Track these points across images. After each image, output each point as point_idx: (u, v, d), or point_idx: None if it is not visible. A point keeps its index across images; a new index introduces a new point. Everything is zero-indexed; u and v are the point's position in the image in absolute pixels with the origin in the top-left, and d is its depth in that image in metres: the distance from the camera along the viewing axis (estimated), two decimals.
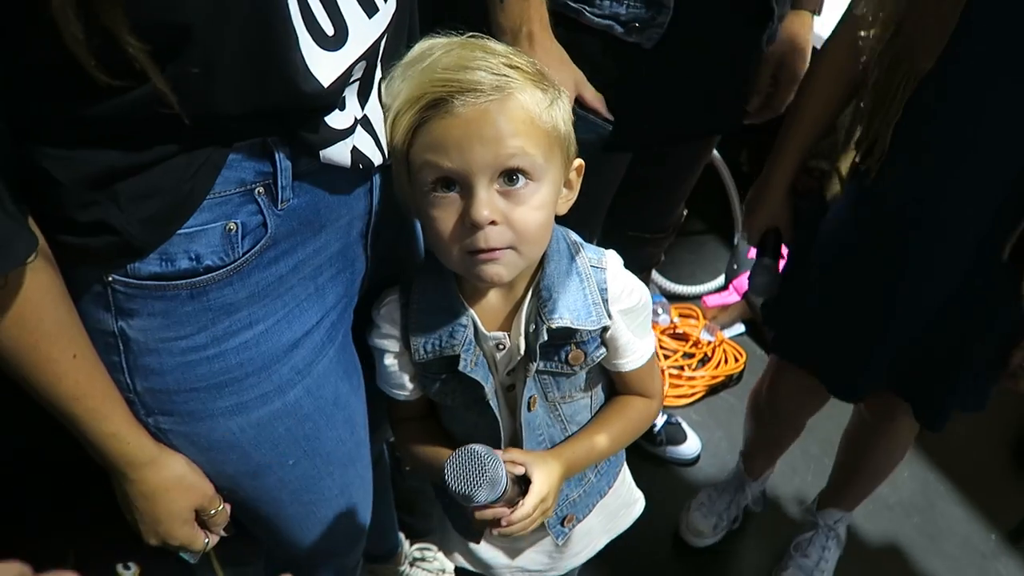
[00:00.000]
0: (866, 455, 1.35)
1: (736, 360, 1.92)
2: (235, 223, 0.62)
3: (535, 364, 0.78)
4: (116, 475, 0.70)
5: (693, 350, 1.95)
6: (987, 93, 0.85)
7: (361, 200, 0.74)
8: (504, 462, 0.71)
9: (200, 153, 0.58)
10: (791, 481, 1.64)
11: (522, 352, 0.77)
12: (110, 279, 0.62)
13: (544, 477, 0.76)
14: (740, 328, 2.05)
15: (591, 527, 0.97)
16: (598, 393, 0.87)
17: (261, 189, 0.63)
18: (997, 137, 0.86)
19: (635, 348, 0.81)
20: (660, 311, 2.01)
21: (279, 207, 0.64)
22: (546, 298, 0.75)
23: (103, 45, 0.47)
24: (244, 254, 0.64)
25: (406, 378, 0.81)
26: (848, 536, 1.58)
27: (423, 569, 1.40)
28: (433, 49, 0.68)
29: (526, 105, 0.66)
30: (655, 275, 2.11)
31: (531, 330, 0.76)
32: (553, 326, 0.75)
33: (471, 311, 0.76)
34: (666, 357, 1.93)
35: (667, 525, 1.58)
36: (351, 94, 0.64)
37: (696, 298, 2.11)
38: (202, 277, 0.63)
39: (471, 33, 0.70)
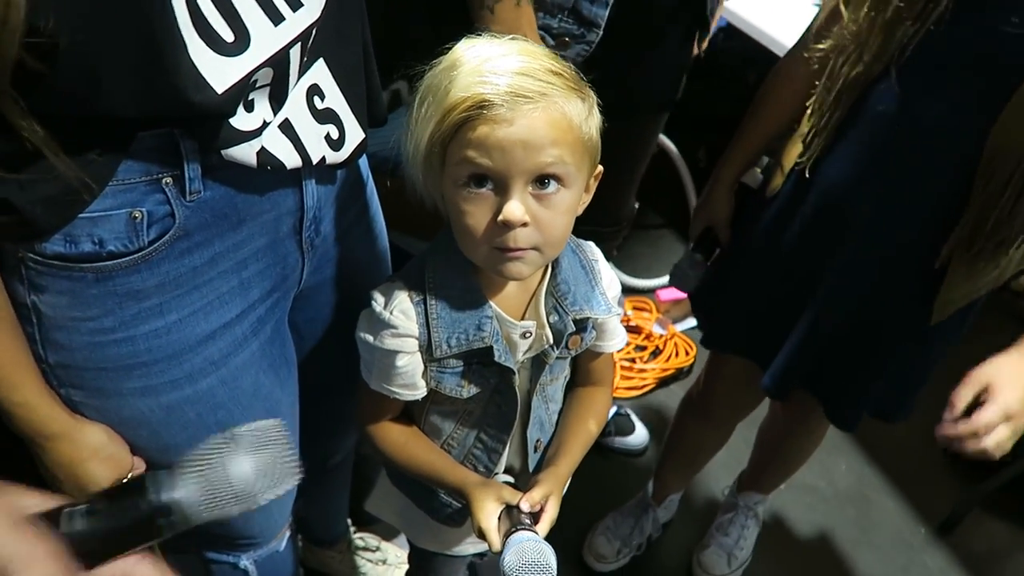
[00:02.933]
0: (780, 449, 1.42)
1: (687, 353, 1.96)
2: (140, 211, 0.63)
3: (556, 352, 0.82)
4: (31, 444, 0.71)
5: (645, 343, 1.99)
6: (924, 104, 0.87)
7: (289, 197, 0.74)
8: (532, 504, 0.78)
9: (103, 139, 0.58)
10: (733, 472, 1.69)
11: (550, 340, 0.81)
12: (21, 254, 0.63)
13: (554, 507, 0.81)
14: (692, 322, 2.09)
15: None
16: (569, 371, 0.92)
17: (169, 180, 0.63)
18: (930, 147, 0.89)
19: (619, 331, 0.89)
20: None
21: (188, 199, 0.65)
22: (565, 291, 0.80)
23: None
24: (151, 243, 0.65)
25: (418, 376, 0.80)
26: (786, 528, 1.64)
27: (365, 558, 1.41)
28: (478, 51, 0.69)
29: (568, 114, 0.68)
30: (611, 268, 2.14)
31: (552, 320, 0.80)
32: (577, 317, 0.80)
33: (492, 303, 0.78)
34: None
35: (611, 510, 1.61)
36: (260, 98, 0.64)
37: (650, 292, 2.14)
38: (106, 263, 0.64)
39: (512, 36, 0.71)
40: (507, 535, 0.75)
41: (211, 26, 0.56)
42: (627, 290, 2.14)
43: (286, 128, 0.67)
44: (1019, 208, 0.86)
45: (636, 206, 1.53)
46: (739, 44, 1.92)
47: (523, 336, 0.81)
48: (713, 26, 1.32)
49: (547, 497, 0.80)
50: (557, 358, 0.84)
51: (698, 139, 2.28)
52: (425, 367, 0.80)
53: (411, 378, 0.80)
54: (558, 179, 0.69)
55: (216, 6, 0.56)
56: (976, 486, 1.64)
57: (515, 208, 0.68)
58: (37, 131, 0.54)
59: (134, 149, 0.60)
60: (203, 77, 0.56)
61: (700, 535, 1.57)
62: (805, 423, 1.32)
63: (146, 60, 0.54)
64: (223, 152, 0.63)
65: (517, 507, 0.78)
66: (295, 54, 0.65)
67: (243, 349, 0.76)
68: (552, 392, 0.90)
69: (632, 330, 2.02)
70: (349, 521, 1.42)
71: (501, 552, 0.75)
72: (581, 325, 0.83)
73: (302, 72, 0.68)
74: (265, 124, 0.65)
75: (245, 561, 1.00)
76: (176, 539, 1.00)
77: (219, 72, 0.57)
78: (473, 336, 0.78)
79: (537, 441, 0.90)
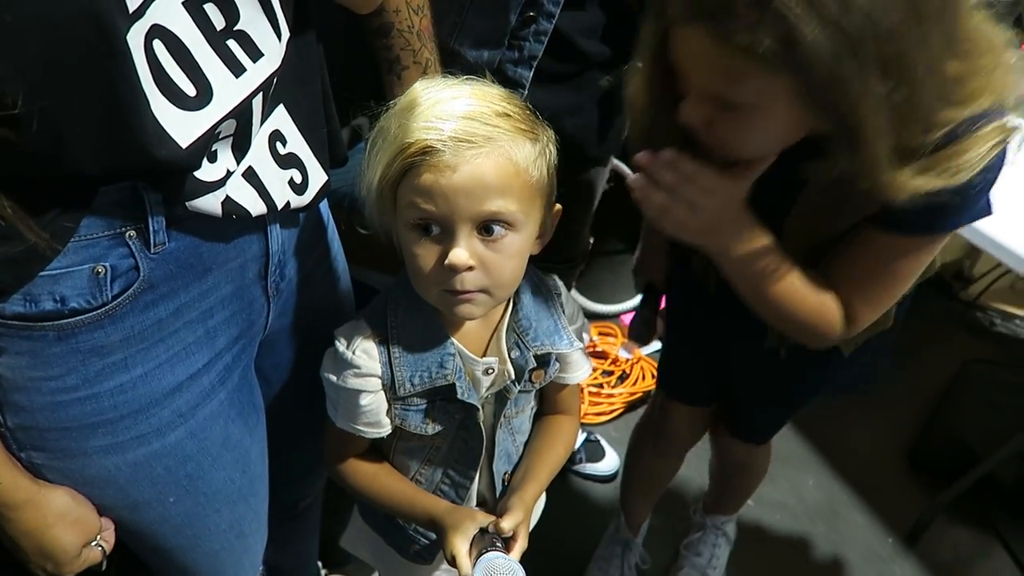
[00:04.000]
0: (730, 482, 1.46)
1: (653, 376, 1.98)
2: (104, 266, 0.62)
3: (518, 387, 0.82)
4: None
5: (612, 367, 2.00)
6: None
7: (254, 243, 0.74)
8: (500, 531, 0.78)
9: (64, 196, 0.58)
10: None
11: (512, 376, 0.81)
12: None
13: (524, 533, 0.81)
14: (657, 345, 2.10)
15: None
16: (536, 403, 0.93)
17: (132, 233, 0.62)
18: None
19: (583, 362, 0.89)
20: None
21: (153, 251, 0.64)
22: (527, 327, 0.80)
23: None
24: (115, 297, 0.63)
25: (382, 414, 0.80)
26: (757, 545, 1.65)
27: None
28: (429, 93, 0.69)
29: (515, 159, 0.68)
30: (574, 294, 2.16)
31: (514, 356, 0.80)
32: (539, 353, 0.80)
33: (455, 340, 0.79)
34: None
35: (589, 538, 1.62)
36: (223, 148, 0.64)
37: (614, 316, 2.16)
38: (68, 320, 0.62)
39: (468, 77, 0.72)
40: (478, 558, 0.75)
41: (173, 81, 0.56)
42: (591, 316, 2.15)
43: (250, 176, 0.67)
44: None
45: (591, 240, 1.55)
46: None
47: (486, 372, 0.81)
48: None
49: (517, 525, 0.79)
50: (521, 392, 0.85)
51: None
52: (389, 405, 0.80)
53: (375, 416, 0.80)
54: (505, 224, 0.70)
55: (177, 61, 0.56)
56: (938, 495, 1.68)
57: (459, 254, 0.69)
58: (3, 202, 0.53)
59: (96, 204, 0.59)
60: (167, 132, 0.56)
61: (672, 554, 1.57)
62: (744, 462, 1.36)
63: (110, 118, 0.54)
64: (188, 204, 0.62)
65: (487, 530, 0.78)
66: (257, 103, 0.65)
67: (211, 399, 0.75)
68: (519, 424, 0.90)
69: (598, 355, 2.03)
70: (320, 564, 1.39)
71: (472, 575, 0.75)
72: (543, 360, 0.83)
73: (263, 119, 0.68)
74: (229, 173, 0.65)
75: None
76: None
77: (183, 127, 0.57)
78: (436, 374, 0.78)
79: (505, 474, 0.91)
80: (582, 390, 1.91)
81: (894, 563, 1.65)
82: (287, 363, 0.90)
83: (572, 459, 1.73)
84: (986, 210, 0.75)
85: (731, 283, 0.83)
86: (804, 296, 0.80)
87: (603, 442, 1.78)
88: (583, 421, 1.86)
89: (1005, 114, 0.69)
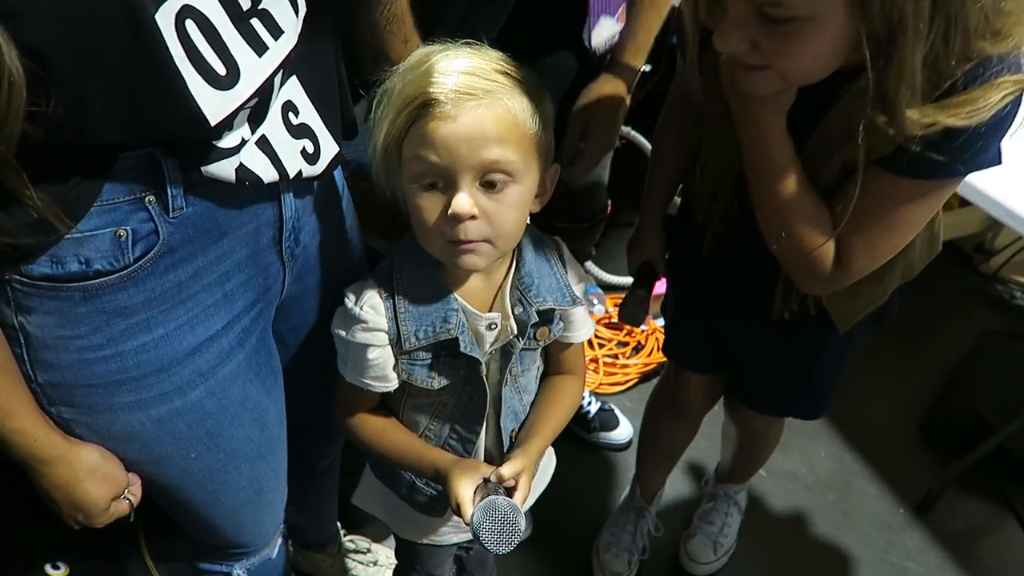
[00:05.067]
0: (742, 451, 1.47)
1: None
2: (125, 230, 0.65)
3: (521, 342, 0.85)
4: (28, 468, 0.72)
5: (627, 338, 2.02)
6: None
7: (267, 209, 0.76)
8: (504, 481, 0.81)
9: (86, 163, 0.60)
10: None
11: (514, 331, 0.83)
12: (7, 276, 0.64)
13: (526, 485, 0.84)
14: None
15: (539, 484, 1.06)
16: (541, 361, 0.95)
17: (152, 197, 0.65)
18: None
19: (585, 321, 0.92)
20: (595, 301, 2.07)
21: (171, 215, 0.67)
22: (529, 284, 0.83)
23: None
24: (136, 260, 0.66)
25: (389, 368, 0.83)
26: (769, 515, 1.67)
27: (356, 560, 1.43)
28: (430, 55, 0.73)
29: (513, 111, 0.71)
30: (590, 266, 2.17)
31: (517, 312, 0.83)
32: (541, 309, 0.83)
33: (458, 296, 0.81)
34: (601, 346, 1.99)
35: (603, 506, 1.65)
36: (240, 119, 0.66)
37: None
38: (93, 281, 0.65)
39: (467, 41, 0.74)
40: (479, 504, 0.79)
41: (206, 60, 0.59)
42: (607, 287, 2.17)
43: (263, 144, 0.69)
44: None
45: (609, 203, 1.55)
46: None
47: (489, 328, 0.84)
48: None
49: (519, 473, 0.82)
50: (525, 349, 0.88)
51: None
52: (396, 360, 0.84)
53: (383, 370, 0.83)
54: (506, 174, 0.72)
55: (208, 41, 0.58)
56: (950, 466, 1.68)
57: (463, 201, 0.71)
58: (34, 197, 0.56)
59: (116, 170, 0.62)
60: (201, 111, 0.59)
61: (684, 524, 1.60)
62: (757, 430, 1.37)
63: (138, 94, 0.56)
64: (203, 169, 0.65)
65: (490, 480, 0.81)
66: (277, 80, 0.67)
67: (230, 360, 0.78)
68: (525, 383, 0.93)
69: (613, 326, 2.05)
70: (339, 524, 1.43)
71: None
72: (546, 316, 0.86)
73: (277, 90, 0.70)
74: (244, 142, 0.67)
75: (238, 570, 1.02)
76: (167, 548, 1.02)
77: (215, 105, 0.60)
78: (440, 328, 0.81)
79: (512, 431, 0.93)
80: (597, 361, 1.94)
81: (904, 533, 1.66)
82: (304, 327, 0.93)
83: (587, 428, 1.76)
84: (995, 159, 0.75)
85: (752, 170, 0.84)
86: (807, 205, 0.81)
87: (617, 411, 1.80)
88: (598, 391, 1.88)
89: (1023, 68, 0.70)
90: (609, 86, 1.17)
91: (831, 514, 1.69)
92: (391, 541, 1.45)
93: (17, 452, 0.70)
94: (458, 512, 0.81)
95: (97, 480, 0.75)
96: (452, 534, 1.03)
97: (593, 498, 1.67)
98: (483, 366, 0.85)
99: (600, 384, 1.91)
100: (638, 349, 1.99)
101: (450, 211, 0.71)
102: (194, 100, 0.58)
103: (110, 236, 0.64)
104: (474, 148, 0.70)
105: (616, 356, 1.97)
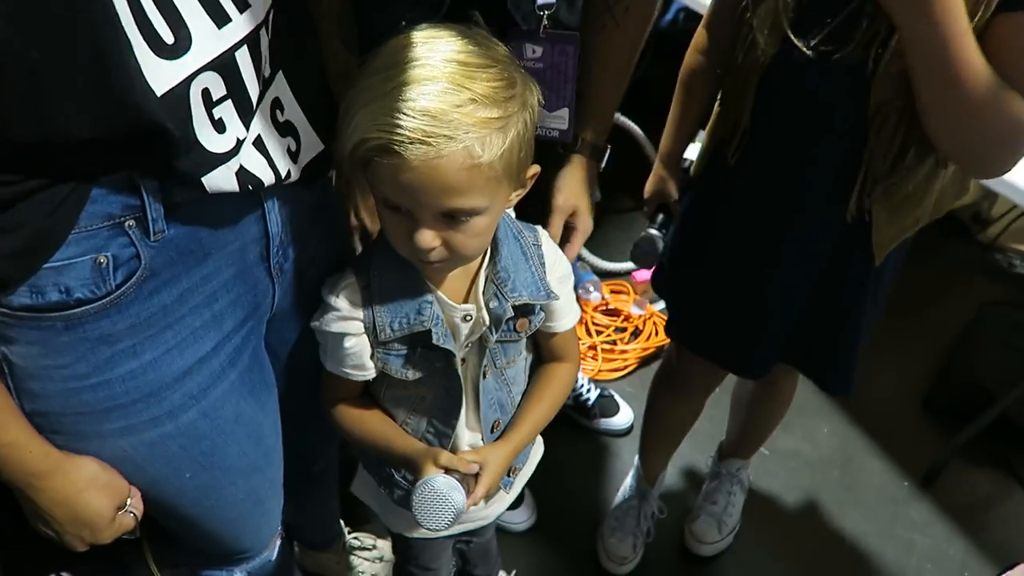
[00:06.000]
0: (754, 415, 1.46)
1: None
2: (105, 256, 0.63)
3: (495, 335, 0.84)
4: (23, 488, 0.69)
5: (624, 324, 2.01)
6: (820, 71, 0.89)
7: (252, 225, 0.75)
8: (454, 463, 0.81)
9: (62, 188, 0.59)
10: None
11: (487, 323, 0.83)
12: None
13: (492, 472, 0.85)
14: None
15: (527, 470, 1.06)
16: (528, 353, 0.95)
17: (132, 222, 0.63)
18: (831, 111, 0.91)
19: (568, 310, 0.91)
20: (592, 288, 2.06)
21: (152, 239, 0.65)
22: (505, 279, 0.83)
23: None
24: (119, 287, 0.65)
25: (366, 357, 0.84)
26: (773, 493, 1.67)
27: (362, 557, 1.43)
28: (397, 62, 0.67)
29: (475, 155, 0.66)
30: (586, 253, 2.16)
31: (492, 306, 0.83)
32: (516, 303, 0.83)
33: (433, 288, 0.82)
34: (599, 332, 1.99)
35: (606, 493, 1.65)
36: (229, 115, 0.64)
37: (626, 274, 2.17)
38: (75, 310, 0.64)
39: (451, 25, 0.70)
40: None
41: (153, 27, 0.56)
42: (603, 274, 2.16)
43: (259, 145, 0.68)
44: (906, 151, 0.90)
45: (598, 195, 1.54)
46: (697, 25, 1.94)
47: (464, 319, 0.84)
48: None
49: (481, 463, 0.84)
50: (506, 341, 0.87)
51: (662, 121, 2.29)
52: (372, 349, 0.84)
53: (359, 359, 0.84)
54: (469, 214, 0.71)
55: (158, 6, 0.56)
56: (954, 437, 1.68)
57: (423, 238, 0.71)
58: None
59: (94, 195, 0.60)
60: (145, 78, 0.56)
61: (687, 506, 1.60)
62: (774, 386, 1.36)
63: (93, 66, 0.53)
64: (204, 181, 0.63)
65: (449, 470, 0.81)
66: (244, 60, 0.64)
67: (222, 380, 0.77)
68: (513, 374, 0.92)
69: (610, 312, 2.04)
70: (342, 522, 1.44)
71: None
72: (524, 310, 0.86)
73: (266, 86, 0.69)
74: (239, 143, 0.65)
75: (239, 574, 1.02)
76: (172, 554, 1.02)
77: (159, 76, 0.57)
78: (414, 320, 0.81)
79: (495, 422, 0.93)
80: (595, 348, 1.94)
81: (910, 506, 1.66)
82: (295, 339, 0.92)
83: (587, 415, 1.76)
84: None
85: (927, 61, 0.77)
86: (990, 72, 0.76)
87: (617, 397, 1.79)
88: (597, 378, 1.88)
89: None
90: (582, 170, 1.08)
91: (836, 490, 1.68)
92: None
93: (11, 468, 0.67)
94: None
95: (98, 489, 0.72)
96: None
97: (596, 485, 1.67)
98: (458, 359, 0.85)
99: (599, 371, 1.90)
100: (636, 334, 1.99)
101: (413, 242, 0.72)
102: (138, 65, 0.55)
103: (90, 263, 0.63)
104: (432, 197, 0.68)
105: (614, 342, 1.97)
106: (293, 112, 0.74)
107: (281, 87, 0.72)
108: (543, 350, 0.96)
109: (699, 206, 1.14)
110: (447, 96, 0.65)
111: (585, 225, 1.06)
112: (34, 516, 0.72)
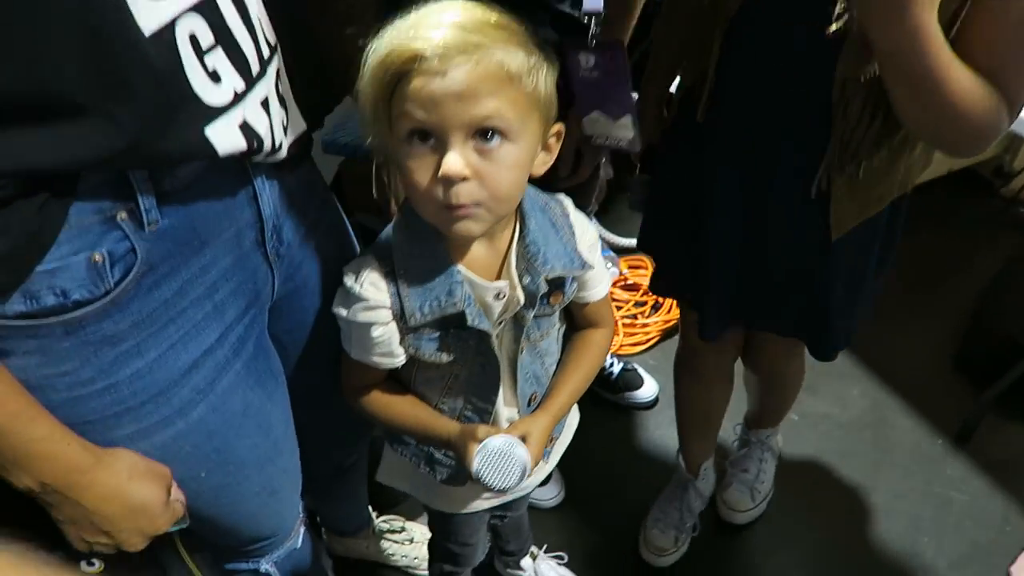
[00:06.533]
0: (767, 397, 1.44)
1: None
2: (101, 253, 0.60)
3: (531, 311, 0.81)
4: (65, 489, 0.65)
5: (644, 298, 1.99)
6: (790, 32, 0.85)
7: (244, 209, 0.73)
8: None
9: (47, 185, 0.56)
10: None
11: (522, 301, 0.80)
12: None
13: (536, 443, 0.84)
14: None
15: (564, 439, 1.04)
16: (562, 324, 0.92)
17: (124, 214, 0.61)
18: (802, 74, 0.86)
19: (601, 278, 0.88)
20: (610, 264, 2.04)
21: (147, 231, 0.62)
22: (535, 252, 0.79)
23: None
24: (117, 284, 0.62)
25: (395, 345, 0.80)
26: (803, 456, 1.65)
27: (391, 540, 1.43)
28: (420, 8, 0.68)
29: (506, 65, 0.66)
30: (602, 230, 2.14)
31: (525, 282, 0.80)
32: (549, 277, 0.80)
33: (461, 267, 0.78)
34: (619, 308, 1.97)
35: (635, 465, 1.64)
36: (223, 66, 0.62)
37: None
38: (74, 313, 0.61)
39: None
40: None
41: None
42: (620, 250, 2.14)
43: (265, 106, 0.67)
44: (873, 130, 0.86)
45: (611, 172, 1.52)
46: None
47: (496, 297, 0.80)
48: None
49: (524, 435, 0.82)
50: (539, 316, 0.85)
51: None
52: (402, 336, 0.81)
53: (388, 347, 0.81)
54: (499, 132, 0.68)
55: None
56: (985, 393, 1.65)
57: (453, 161, 0.66)
58: None
59: (81, 189, 0.58)
60: (131, 14, 0.54)
61: (719, 478, 1.58)
62: (775, 364, 1.33)
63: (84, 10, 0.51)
64: (206, 131, 0.60)
65: None
66: (227, 9, 0.63)
67: (227, 371, 0.75)
68: (546, 346, 0.90)
69: (629, 288, 2.02)
70: (370, 508, 1.43)
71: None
72: (557, 283, 0.83)
73: (272, 53, 0.67)
74: (237, 96, 0.63)
75: (266, 566, 1.00)
76: (201, 539, 1.01)
77: (146, 12, 0.55)
78: (445, 302, 0.77)
79: (532, 395, 0.91)
80: (616, 323, 1.91)
81: (945, 464, 1.63)
82: (302, 326, 0.90)
83: (612, 389, 1.74)
84: None
85: (904, 75, 0.74)
86: (965, 74, 0.73)
87: (640, 369, 1.78)
88: (619, 352, 1.86)
89: None
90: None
91: (869, 452, 1.66)
92: (425, 517, 1.45)
93: (52, 466, 0.63)
94: (478, 482, 0.80)
95: (142, 475, 0.69)
96: (481, 502, 1.02)
97: (624, 459, 1.65)
98: (494, 338, 0.82)
99: (621, 345, 1.88)
100: (656, 308, 1.97)
101: (441, 172, 0.67)
102: (127, 6, 0.53)
103: (85, 262, 0.60)
104: (464, 105, 0.66)
105: (635, 317, 1.95)
106: (286, 87, 0.73)
107: (279, 61, 0.71)
108: (577, 319, 0.93)
109: (670, 155, 1.10)
110: (473, 16, 0.67)
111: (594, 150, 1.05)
112: (83, 524, 0.68)
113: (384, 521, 1.44)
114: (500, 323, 0.83)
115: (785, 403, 1.47)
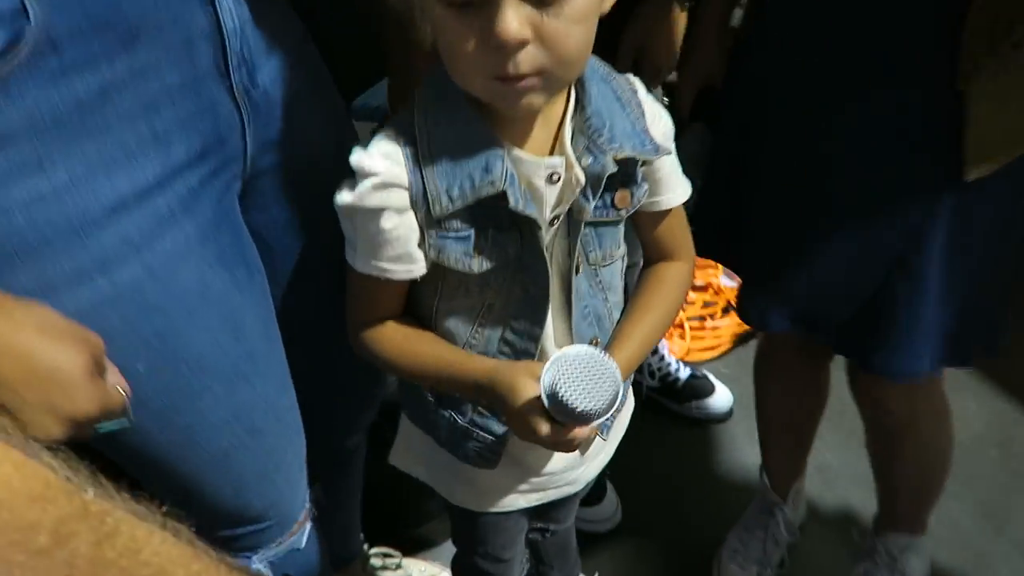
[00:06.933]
0: (896, 460, 1.10)
1: None
2: None
3: (591, 204, 0.66)
4: None
5: (714, 298, 1.80)
6: None
7: (196, 10, 0.59)
8: None
9: None
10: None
11: (582, 182, 0.65)
12: None
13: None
14: None
15: (622, 419, 0.86)
16: (625, 253, 0.76)
17: None
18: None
19: (679, 178, 0.74)
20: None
21: None
22: (599, 126, 0.65)
23: None
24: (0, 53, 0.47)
25: (413, 244, 0.65)
26: None
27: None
28: None
29: None
30: None
31: (586, 162, 0.65)
32: (618, 157, 0.65)
33: (501, 138, 0.64)
34: (684, 309, 1.76)
35: (708, 488, 1.42)
36: None
37: None
38: None
39: None
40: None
41: None
42: None
43: None
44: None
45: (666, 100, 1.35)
46: None
47: (549, 179, 0.63)
48: None
49: None
50: (600, 223, 0.68)
51: None
52: (422, 232, 0.64)
53: (403, 246, 0.64)
54: None
55: None
56: None
57: (509, 21, 0.53)
58: None
59: None
60: None
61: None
62: (888, 408, 1.03)
63: None
64: None
65: None
66: None
67: (171, 228, 0.60)
68: (609, 277, 0.73)
69: (697, 288, 1.82)
70: (362, 537, 1.23)
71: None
72: (626, 174, 0.67)
73: None
74: None
75: (257, 563, 0.82)
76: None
77: None
78: (480, 180, 0.61)
79: (593, 339, 0.73)
80: (682, 326, 1.73)
81: None
82: (288, 226, 0.75)
83: (678, 398, 1.53)
84: None
85: None
86: None
87: (710, 376, 1.57)
88: (686, 359, 1.65)
89: None
90: (655, 6, 1.00)
91: (998, 474, 1.42)
92: (425, 552, 1.28)
93: None
94: (522, 428, 0.64)
95: (57, 335, 0.51)
96: (517, 496, 0.83)
97: (692, 481, 1.45)
98: (543, 234, 0.65)
99: (689, 350, 1.68)
100: (728, 310, 1.76)
101: (493, 36, 0.54)
102: None
103: None
104: None
105: (703, 319, 1.75)
106: None
107: None
108: (648, 247, 0.77)
109: (739, 81, 0.95)
110: None
111: (655, 63, 0.93)
112: None
113: (376, 554, 1.24)
114: (552, 223, 0.66)
115: (927, 481, 1.11)
